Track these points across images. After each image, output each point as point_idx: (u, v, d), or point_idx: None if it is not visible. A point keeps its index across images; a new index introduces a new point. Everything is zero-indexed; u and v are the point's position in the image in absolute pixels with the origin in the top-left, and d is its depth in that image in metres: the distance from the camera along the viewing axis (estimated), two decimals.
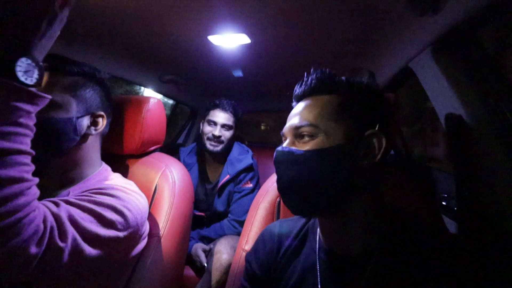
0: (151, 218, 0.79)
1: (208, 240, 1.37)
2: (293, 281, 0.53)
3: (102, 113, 0.72)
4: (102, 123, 0.72)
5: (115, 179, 0.71)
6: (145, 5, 0.83)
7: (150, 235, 0.74)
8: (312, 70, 0.54)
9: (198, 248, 1.28)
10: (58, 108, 0.62)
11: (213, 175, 1.52)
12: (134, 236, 0.63)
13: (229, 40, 1.07)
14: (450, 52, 0.78)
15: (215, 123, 1.43)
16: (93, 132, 0.70)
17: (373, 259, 0.46)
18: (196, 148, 1.58)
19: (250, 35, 1.02)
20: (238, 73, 1.56)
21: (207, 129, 1.44)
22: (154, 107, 0.90)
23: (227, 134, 1.44)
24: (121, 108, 0.88)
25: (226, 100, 1.48)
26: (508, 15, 0.65)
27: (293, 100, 0.57)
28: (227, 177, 1.43)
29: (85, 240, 0.52)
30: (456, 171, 0.88)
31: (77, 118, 0.65)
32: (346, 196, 0.47)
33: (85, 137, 0.68)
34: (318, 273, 0.51)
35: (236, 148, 1.54)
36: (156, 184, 0.84)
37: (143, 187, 0.83)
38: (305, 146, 0.48)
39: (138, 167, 0.90)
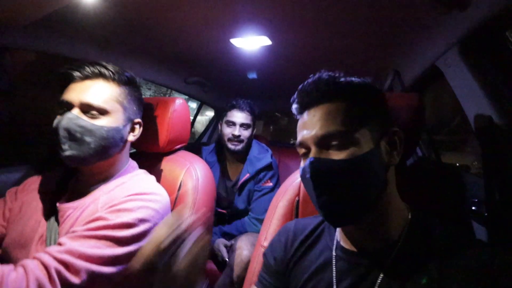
0: None
1: (230, 236, 1.41)
2: (308, 275, 0.55)
3: (139, 120, 0.78)
4: (139, 129, 0.78)
5: (139, 175, 0.77)
6: (172, 12, 0.88)
7: None
8: (317, 74, 0.52)
9: (220, 244, 1.33)
10: (111, 117, 0.68)
11: (233, 173, 1.56)
12: None
13: (250, 43, 1.10)
14: (478, 50, 0.74)
15: (233, 123, 1.47)
16: (132, 138, 0.75)
17: (391, 253, 0.47)
18: (216, 148, 1.63)
19: (271, 37, 1.05)
20: (253, 75, 1.59)
21: (227, 130, 1.48)
22: (180, 108, 0.95)
23: (246, 133, 1.48)
24: (149, 110, 0.93)
25: (243, 100, 1.51)
26: None
27: (299, 107, 0.53)
28: (247, 175, 1.46)
29: (105, 263, 0.56)
30: (486, 175, 0.83)
31: (123, 126, 0.71)
32: (380, 197, 0.48)
33: (125, 142, 0.74)
34: (334, 269, 0.52)
35: (256, 147, 1.56)
36: (181, 181, 0.89)
37: (169, 183, 0.89)
38: (338, 155, 0.46)
39: (164, 164, 0.96)
